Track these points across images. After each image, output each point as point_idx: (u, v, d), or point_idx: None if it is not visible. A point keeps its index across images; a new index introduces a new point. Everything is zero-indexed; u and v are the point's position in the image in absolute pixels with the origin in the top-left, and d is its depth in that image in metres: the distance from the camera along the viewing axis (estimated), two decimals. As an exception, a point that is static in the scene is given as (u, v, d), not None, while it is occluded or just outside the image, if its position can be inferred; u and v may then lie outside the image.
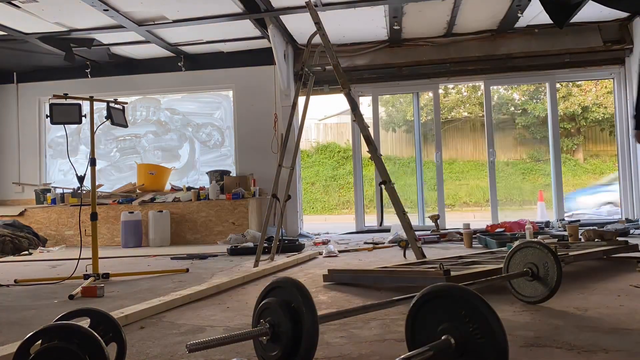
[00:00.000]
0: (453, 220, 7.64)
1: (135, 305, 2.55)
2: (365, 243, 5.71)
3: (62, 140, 7.80)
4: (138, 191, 7.19)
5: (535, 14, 6.19)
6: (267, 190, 6.91)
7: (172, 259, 4.99)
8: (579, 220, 6.67)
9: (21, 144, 7.84)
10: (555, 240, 4.46)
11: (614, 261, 3.65)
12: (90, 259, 3.70)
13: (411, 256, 3.79)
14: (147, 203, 6.72)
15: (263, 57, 7.08)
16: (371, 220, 7.34)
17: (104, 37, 6.58)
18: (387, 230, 6.18)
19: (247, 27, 6.33)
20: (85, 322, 1.52)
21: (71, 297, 3.00)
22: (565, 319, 2.12)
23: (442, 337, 1.33)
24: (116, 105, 3.84)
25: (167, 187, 7.35)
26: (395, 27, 6.46)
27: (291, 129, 4.50)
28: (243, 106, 7.41)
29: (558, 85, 7.20)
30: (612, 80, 7.11)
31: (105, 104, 3.79)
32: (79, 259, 3.73)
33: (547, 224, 6.40)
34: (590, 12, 6.14)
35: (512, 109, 15.88)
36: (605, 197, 8.89)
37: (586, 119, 14.98)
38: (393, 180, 3.55)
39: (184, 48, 7.15)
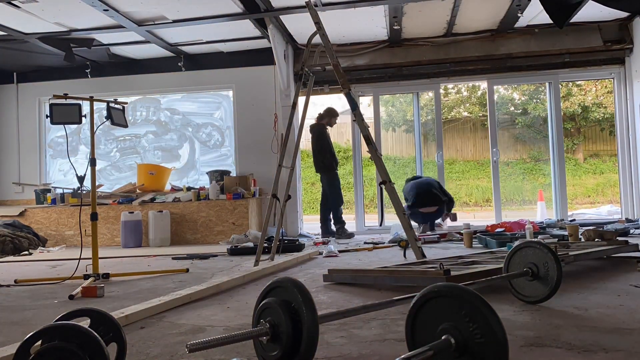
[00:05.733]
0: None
1: (136, 305, 2.55)
2: (365, 243, 5.71)
3: (62, 140, 7.80)
4: (138, 191, 7.19)
5: (535, 14, 6.20)
6: (267, 190, 6.91)
7: (172, 259, 4.99)
8: (574, 220, 6.68)
9: (21, 144, 7.84)
10: (556, 240, 4.46)
11: (614, 261, 3.65)
12: (90, 259, 3.70)
13: (411, 256, 3.79)
14: (147, 203, 6.72)
15: (263, 57, 7.08)
16: (371, 220, 7.33)
17: (104, 37, 6.57)
18: (388, 230, 6.18)
19: (247, 27, 6.33)
20: (85, 322, 1.52)
21: (71, 297, 3.00)
22: (565, 319, 2.12)
23: (442, 337, 1.33)
24: (116, 105, 3.84)
25: (167, 187, 7.35)
26: (395, 27, 6.46)
27: (291, 129, 4.50)
28: (243, 106, 7.40)
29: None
30: (612, 80, 7.12)
31: (105, 104, 3.79)
32: (79, 259, 3.74)
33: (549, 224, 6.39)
34: (590, 12, 6.14)
35: (512, 108, 15.86)
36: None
37: (586, 119, 14.98)
38: (393, 180, 3.55)
39: (184, 48, 7.15)
